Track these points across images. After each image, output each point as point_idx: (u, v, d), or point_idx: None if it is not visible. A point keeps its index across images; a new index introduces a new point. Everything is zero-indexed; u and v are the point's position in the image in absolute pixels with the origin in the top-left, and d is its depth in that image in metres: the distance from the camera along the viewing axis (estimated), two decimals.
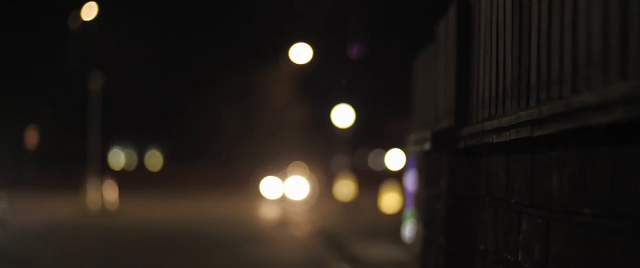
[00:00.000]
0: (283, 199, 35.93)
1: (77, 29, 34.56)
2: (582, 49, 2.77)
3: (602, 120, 2.44)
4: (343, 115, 34.38)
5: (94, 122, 34.22)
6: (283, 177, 37.19)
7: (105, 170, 38.17)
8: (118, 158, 57.00)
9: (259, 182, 38.84)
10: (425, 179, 6.36)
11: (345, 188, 34.69)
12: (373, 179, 40.93)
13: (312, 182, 37.52)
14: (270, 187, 37.72)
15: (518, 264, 3.58)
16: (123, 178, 44.60)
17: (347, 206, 32.26)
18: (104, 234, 19.21)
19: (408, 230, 10.34)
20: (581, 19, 2.78)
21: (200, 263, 13.90)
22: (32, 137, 34.92)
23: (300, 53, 34.89)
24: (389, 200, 32.88)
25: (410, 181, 9.71)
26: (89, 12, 32.12)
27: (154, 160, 59.83)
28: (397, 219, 18.99)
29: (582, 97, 2.59)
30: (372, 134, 46.60)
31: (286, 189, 36.47)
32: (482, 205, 4.38)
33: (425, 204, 6.36)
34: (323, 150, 48.25)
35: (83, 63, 40.55)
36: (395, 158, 37.27)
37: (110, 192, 31.47)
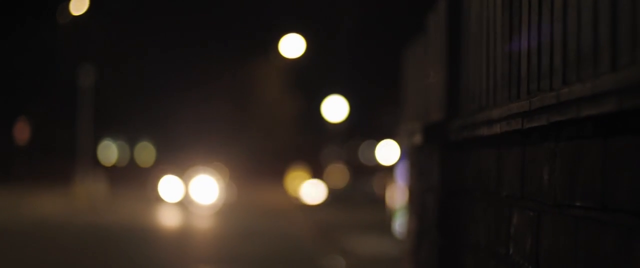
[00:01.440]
0: (186, 202, 31.31)
1: (67, 22, 34.49)
2: (572, 40, 2.75)
3: (593, 112, 2.43)
4: (335, 108, 34.32)
5: (84, 115, 34.16)
6: (187, 177, 32.11)
7: (95, 165, 38.05)
8: (109, 151, 56.81)
9: (157, 181, 33.11)
10: (417, 172, 6.35)
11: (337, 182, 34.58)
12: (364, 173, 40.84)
13: (224, 184, 32.81)
14: (171, 187, 32.45)
15: (509, 257, 3.57)
16: (114, 173, 44.49)
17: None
18: (89, 231, 19.06)
19: (400, 223, 10.33)
20: (571, 10, 2.76)
21: (191, 259, 13.88)
22: (22, 131, 34.84)
23: (292, 45, 34.78)
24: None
25: (402, 174, 9.70)
26: (79, 6, 32.05)
27: (146, 153, 59.62)
28: (388, 213, 18.92)
29: (572, 88, 2.58)
30: (363, 125, 46.52)
31: (191, 191, 31.70)
32: (473, 198, 4.37)
33: (417, 197, 6.35)
34: (315, 143, 48.15)
35: (73, 56, 40.48)
36: (387, 151, 36.99)
37: (99, 188, 31.36)
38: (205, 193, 31.07)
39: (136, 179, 49.17)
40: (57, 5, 35.00)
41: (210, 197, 30.96)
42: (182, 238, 17.85)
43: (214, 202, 30.62)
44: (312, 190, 31.85)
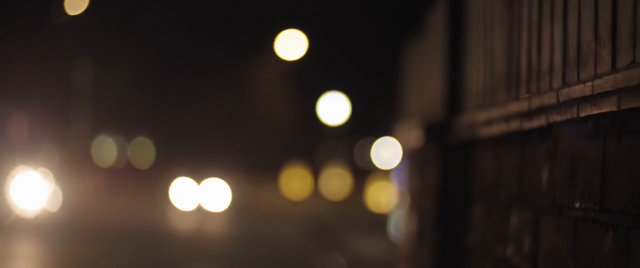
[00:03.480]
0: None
1: (64, 20, 34.48)
2: (572, 40, 2.74)
3: (592, 113, 2.42)
4: (331, 106, 34.06)
5: (81, 111, 34.17)
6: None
7: (91, 163, 37.99)
8: (105, 147, 56.61)
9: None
10: (415, 172, 6.34)
11: (336, 184, 34.36)
12: (361, 174, 40.69)
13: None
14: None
15: (508, 258, 3.56)
16: (110, 171, 44.43)
17: (338, 205, 31.92)
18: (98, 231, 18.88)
19: (397, 224, 10.31)
20: (571, 10, 2.75)
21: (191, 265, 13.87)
22: (19, 127, 34.81)
23: (289, 43, 34.62)
24: (378, 195, 32.30)
25: (400, 174, 9.68)
26: (75, 5, 32.01)
27: (142, 150, 59.43)
28: (385, 214, 18.85)
29: (572, 89, 2.57)
30: (360, 123, 46.31)
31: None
32: (472, 198, 4.36)
33: (415, 198, 6.34)
34: (311, 142, 48.02)
35: (69, 51, 40.44)
36: (384, 150, 36.67)
37: (94, 185, 31.14)
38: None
39: (134, 178, 49.01)
40: (53, 2, 34.94)
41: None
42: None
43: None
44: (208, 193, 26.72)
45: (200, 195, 26.45)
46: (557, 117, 2.73)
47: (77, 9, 31.58)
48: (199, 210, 25.97)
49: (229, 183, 27.39)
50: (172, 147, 53.64)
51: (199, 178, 26.90)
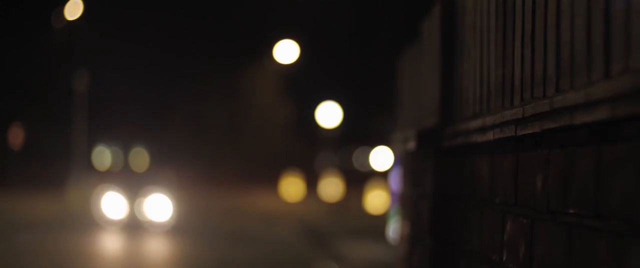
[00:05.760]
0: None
1: (61, 26, 34.47)
2: (565, 48, 2.76)
3: (586, 120, 2.44)
4: (329, 114, 34.17)
5: (79, 120, 34.15)
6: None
7: (89, 170, 37.99)
8: (103, 156, 56.71)
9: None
10: (411, 178, 6.35)
11: (332, 188, 34.46)
12: (358, 179, 40.78)
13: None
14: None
15: (503, 264, 3.57)
16: (108, 178, 44.39)
17: (333, 207, 32.02)
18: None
19: (393, 229, 10.33)
20: (564, 19, 2.77)
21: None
22: (16, 136, 34.80)
23: (286, 51, 34.69)
24: (375, 200, 32.38)
25: (396, 180, 9.70)
26: (73, 10, 32.04)
27: (140, 158, 59.54)
28: (382, 219, 18.80)
29: (565, 96, 2.59)
30: (358, 132, 46.41)
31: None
32: (467, 205, 4.37)
33: (410, 204, 6.35)
34: (309, 149, 48.03)
35: (68, 60, 40.42)
36: (381, 157, 36.64)
37: (93, 193, 31.08)
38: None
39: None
40: (51, 9, 34.97)
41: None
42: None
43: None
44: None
45: (139, 206, 24.74)
46: (551, 124, 2.76)
47: (76, 15, 31.54)
48: (134, 220, 24.90)
49: (174, 193, 25.79)
50: (166, 154, 53.51)
51: (138, 190, 25.23)
